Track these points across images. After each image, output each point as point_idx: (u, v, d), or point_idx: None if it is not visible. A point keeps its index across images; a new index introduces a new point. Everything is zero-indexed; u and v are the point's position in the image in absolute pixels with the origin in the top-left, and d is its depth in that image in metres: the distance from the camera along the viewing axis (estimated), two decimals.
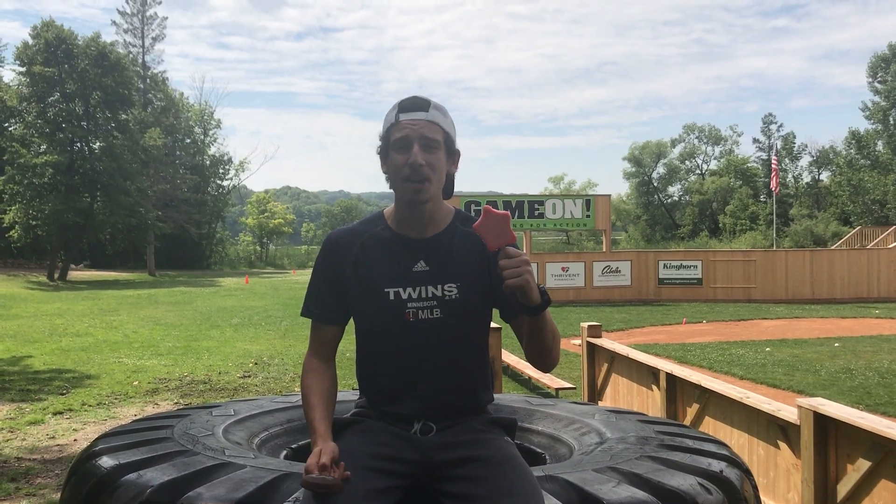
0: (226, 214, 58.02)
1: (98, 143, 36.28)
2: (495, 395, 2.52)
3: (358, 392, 2.13)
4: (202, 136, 53.60)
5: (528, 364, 9.87)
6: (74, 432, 8.36)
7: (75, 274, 37.45)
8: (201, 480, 1.82)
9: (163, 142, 42.40)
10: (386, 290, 1.97)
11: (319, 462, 1.68)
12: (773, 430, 5.29)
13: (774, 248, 30.92)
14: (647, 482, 1.84)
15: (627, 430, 2.33)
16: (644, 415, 2.72)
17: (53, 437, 8.14)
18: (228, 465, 1.92)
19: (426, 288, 1.97)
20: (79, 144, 35.74)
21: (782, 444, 5.18)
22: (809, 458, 4.76)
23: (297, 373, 11.82)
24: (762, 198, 59.35)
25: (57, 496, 6.22)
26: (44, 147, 34.44)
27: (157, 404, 9.74)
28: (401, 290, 1.97)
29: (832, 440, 4.72)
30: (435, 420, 1.94)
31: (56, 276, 34.31)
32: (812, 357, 13.00)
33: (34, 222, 33.78)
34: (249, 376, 11.62)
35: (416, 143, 1.93)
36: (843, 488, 4.60)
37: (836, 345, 14.40)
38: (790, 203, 56.58)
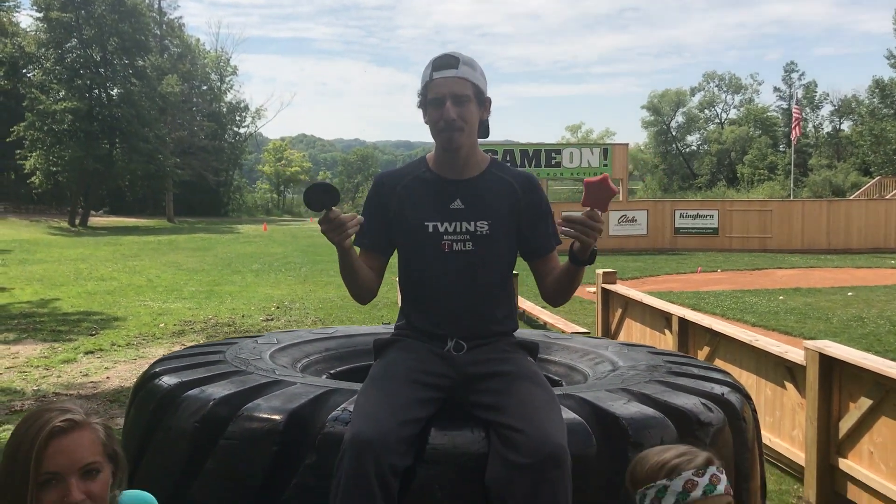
0: (242, 162, 58.17)
1: (116, 90, 36.39)
2: (520, 330, 2.73)
3: (391, 326, 2.36)
4: (218, 83, 53.48)
5: (544, 310, 10.03)
6: (106, 370, 8.69)
7: (95, 220, 37.90)
8: (258, 394, 2.05)
9: (180, 88, 42.39)
10: (426, 223, 2.21)
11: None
12: (781, 371, 5.49)
13: (792, 199, 30.79)
14: (654, 401, 2.04)
15: (638, 360, 2.54)
16: (654, 348, 2.92)
17: (87, 375, 8.47)
18: (280, 382, 2.15)
19: (461, 223, 2.19)
20: (97, 91, 35.85)
21: (789, 385, 5.39)
22: (814, 398, 4.97)
23: (318, 316, 12.13)
24: (781, 147, 58.71)
25: None
26: (62, 93, 34.57)
27: (183, 345, 10.06)
28: (438, 223, 2.20)
29: (836, 380, 4.92)
30: (466, 339, 2.17)
31: (77, 222, 34.76)
32: (825, 305, 13.11)
33: (55, 168, 34.12)
34: (272, 319, 11.93)
35: (449, 99, 2.15)
36: (845, 425, 4.82)
37: (850, 294, 14.48)
38: (809, 153, 55.96)
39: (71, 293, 14.75)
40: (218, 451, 1.97)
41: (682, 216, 23.97)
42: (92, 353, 9.58)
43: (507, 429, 1.85)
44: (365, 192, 61.40)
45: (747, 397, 2.36)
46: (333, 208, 2.01)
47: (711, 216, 23.87)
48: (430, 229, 2.20)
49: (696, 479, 1.58)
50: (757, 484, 2.26)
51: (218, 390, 2.09)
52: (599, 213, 2.03)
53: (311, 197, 1.98)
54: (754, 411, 2.37)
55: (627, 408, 1.98)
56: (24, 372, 8.54)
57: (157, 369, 2.36)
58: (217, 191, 51.81)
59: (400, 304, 2.35)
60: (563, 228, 2.03)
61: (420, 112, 2.26)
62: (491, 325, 2.22)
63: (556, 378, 2.69)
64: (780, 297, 14.08)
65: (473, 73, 2.19)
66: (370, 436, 1.80)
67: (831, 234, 23.38)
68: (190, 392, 2.10)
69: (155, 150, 36.44)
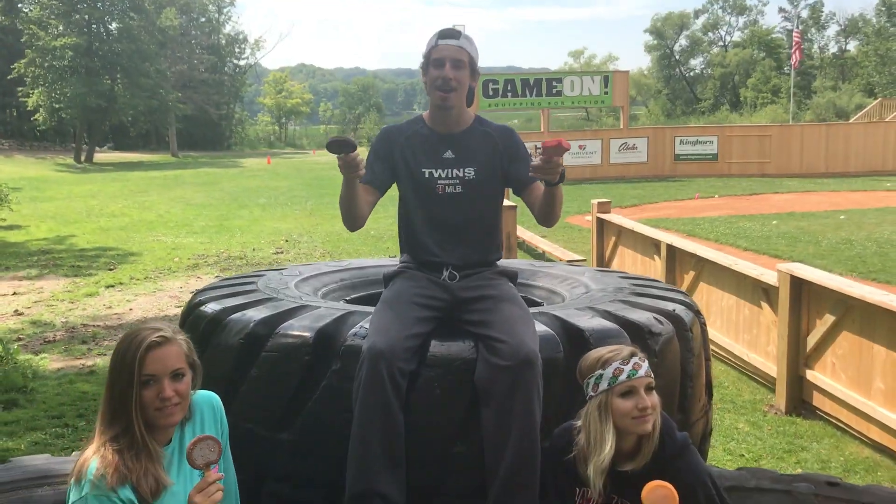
0: (243, 94, 57.86)
1: (114, 24, 36.13)
2: (507, 260, 3.20)
3: (396, 259, 2.81)
4: (216, 15, 52.81)
5: (542, 240, 10.51)
6: (128, 303, 9.19)
7: (100, 156, 38.11)
8: (291, 316, 2.48)
9: (178, 21, 42.00)
10: (423, 170, 2.66)
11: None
12: (758, 292, 5.95)
13: (790, 123, 30.80)
14: (614, 316, 2.48)
15: (608, 283, 2.96)
16: (626, 273, 3.35)
17: (110, 307, 8.98)
18: (308, 306, 2.58)
19: (451, 170, 2.65)
20: (95, 26, 35.59)
21: (764, 305, 5.86)
22: (785, 315, 5.44)
23: (326, 249, 12.59)
24: (785, 70, 58.07)
25: None
26: (60, 28, 34.37)
27: (199, 277, 10.54)
28: (433, 170, 2.65)
29: (805, 299, 5.38)
30: (458, 269, 2.63)
31: (83, 158, 35.01)
32: (816, 229, 13.44)
33: (58, 105, 34.16)
34: (282, 252, 12.39)
35: (448, 62, 2.58)
36: (812, 339, 5.30)
37: (842, 217, 14.78)
38: (814, 75, 55.43)
39: (85, 229, 15.20)
40: (260, 362, 2.43)
41: (681, 143, 24.11)
42: (113, 286, 10.07)
43: (491, 339, 2.31)
44: (366, 124, 60.88)
45: (697, 313, 2.79)
46: (350, 154, 2.44)
47: (711, 142, 24.01)
48: (427, 175, 2.64)
49: (622, 366, 2.05)
50: (702, 382, 2.72)
51: (257, 313, 2.53)
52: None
53: (332, 147, 2.41)
54: (703, 324, 2.81)
55: (590, 322, 2.42)
56: (51, 305, 9.05)
57: (200, 298, 2.80)
58: (219, 124, 51.74)
59: (400, 240, 2.81)
60: (531, 175, 2.44)
61: (422, 67, 2.70)
62: (478, 256, 2.67)
63: (539, 300, 3.13)
64: (774, 222, 14.42)
65: (471, 46, 2.64)
66: (383, 346, 2.26)
67: (829, 158, 23.53)
68: (233, 315, 2.55)
69: (156, 85, 36.39)
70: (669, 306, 2.64)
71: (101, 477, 1.85)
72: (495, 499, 2.23)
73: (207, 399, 2.14)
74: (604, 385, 2.07)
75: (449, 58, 2.57)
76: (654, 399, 2.07)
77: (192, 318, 2.68)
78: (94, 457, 1.90)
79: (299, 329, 2.40)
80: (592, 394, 2.11)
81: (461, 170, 2.63)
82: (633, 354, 2.09)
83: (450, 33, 2.63)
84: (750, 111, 52.51)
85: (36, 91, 33.93)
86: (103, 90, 34.73)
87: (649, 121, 58.90)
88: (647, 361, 2.10)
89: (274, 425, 2.41)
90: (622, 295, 2.76)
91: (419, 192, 2.66)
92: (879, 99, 33.30)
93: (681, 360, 2.54)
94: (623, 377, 2.05)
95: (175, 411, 1.97)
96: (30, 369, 6.35)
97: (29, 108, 34.90)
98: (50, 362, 6.84)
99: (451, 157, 2.64)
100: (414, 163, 2.66)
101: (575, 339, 2.35)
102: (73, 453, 3.24)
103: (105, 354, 7.12)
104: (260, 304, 2.61)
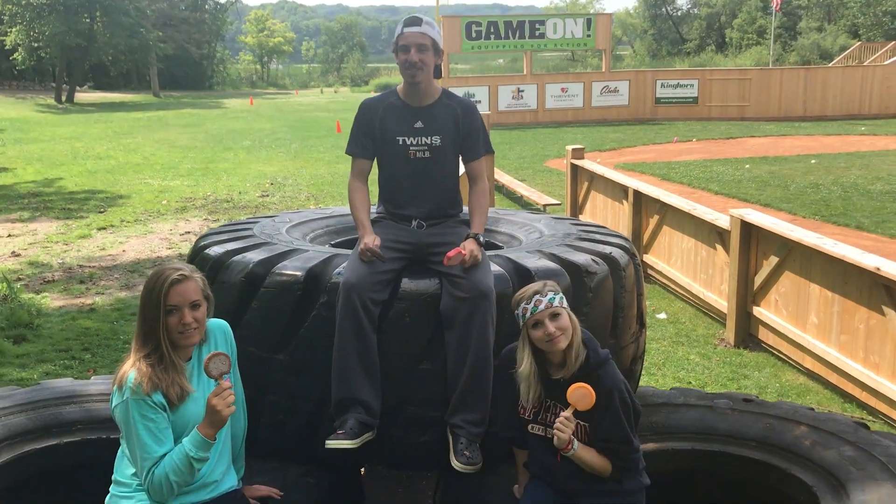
0: (224, 33, 57.11)
1: None
2: None
3: (373, 207, 3.24)
4: None
5: (521, 184, 10.91)
6: (121, 245, 9.56)
7: (81, 96, 37.82)
8: (284, 258, 2.89)
9: None
10: (397, 138, 3.06)
11: (374, 242, 2.82)
12: (713, 235, 6.42)
13: (770, 67, 30.99)
14: (558, 258, 2.91)
15: (559, 229, 3.40)
16: (577, 220, 3.79)
17: (104, 249, 9.35)
18: (298, 249, 3.00)
19: (421, 138, 3.05)
20: None
21: (719, 247, 6.34)
22: (735, 257, 5.93)
23: (311, 192, 12.93)
24: (770, 10, 57.83)
25: (120, 294, 7.51)
26: None
27: (188, 220, 10.90)
28: (406, 138, 3.05)
29: (754, 242, 5.87)
30: (425, 219, 3.06)
31: (63, 98, 34.78)
32: (786, 173, 13.88)
33: (36, 44, 33.81)
34: (267, 196, 12.73)
35: (413, 47, 2.98)
36: (759, 279, 5.80)
37: (813, 161, 15.19)
38: (800, 15, 55.26)
39: (73, 172, 15.42)
40: (259, 296, 2.84)
41: (663, 86, 24.36)
42: (104, 229, 10.43)
43: (453, 276, 2.75)
44: (349, 63, 60.17)
45: (633, 255, 3.23)
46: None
47: (692, 85, 24.27)
48: (400, 142, 3.05)
49: (527, 305, 2.51)
50: (633, 313, 3.18)
51: (255, 255, 2.95)
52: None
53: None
54: (637, 265, 3.26)
55: (537, 262, 2.85)
56: (47, 247, 9.42)
57: (204, 242, 3.21)
58: (200, 63, 51.25)
59: (378, 194, 3.21)
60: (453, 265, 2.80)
61: (393, 51, 3.09)
62: (442, 209, 3.11)
63: (500, 244, 3.57)
64: (747, 166, 14.82)
65: (432, 30, 3.03)
66: (354, 280, 2.72)
67: (808, 102, 23.85)
68: (235, 258, 2.96)
69: (136, 24, 35.98)
70: (607, 249, 3.08)
71: (138, 384, 2.32)
72: (456, 406, 2.72)
73: (220, 325, 2.61)
74: (520, 322, 2.55)
75: (413, 43, 2.96)
76: (560, 323, 2.49)
77: (198, 259, 3.10)
78: (131, 370, 2.36)
79: (292, 269, 2.84)
80: (520, 326, 2.58)
81: (429, 138, 3.04)
82: (535, 293, 2.53)
83: (413, 21, 3.03)
84: (735, 52, 52.47)
85: (14, 29, 33.54)
86: (82, 29, 34.34)
87: (634, 61, 58.69)
88: (550, 295, 2.52)
89: (272, 348, 2.85)
90: (569, 239, 3.20)
91: (393, 156, 3.07)
92: (860, 42, 33.45)
93: (614, 295, 3.00)
94: (528, 314, 2.51)
95: (194, 334, 2.43)
96: (33, 307, 6.76)
97: (7, 47, 34.49)
98: (51, 301, 7.24)
99: (420, 127, 3.05)
100: (390, 131, 3.06)
101: (523, 277, 2.79)
102: (92, 377, 3.68)
103: (103, 293, 7.54)
104: (257, 248, 3.03)
